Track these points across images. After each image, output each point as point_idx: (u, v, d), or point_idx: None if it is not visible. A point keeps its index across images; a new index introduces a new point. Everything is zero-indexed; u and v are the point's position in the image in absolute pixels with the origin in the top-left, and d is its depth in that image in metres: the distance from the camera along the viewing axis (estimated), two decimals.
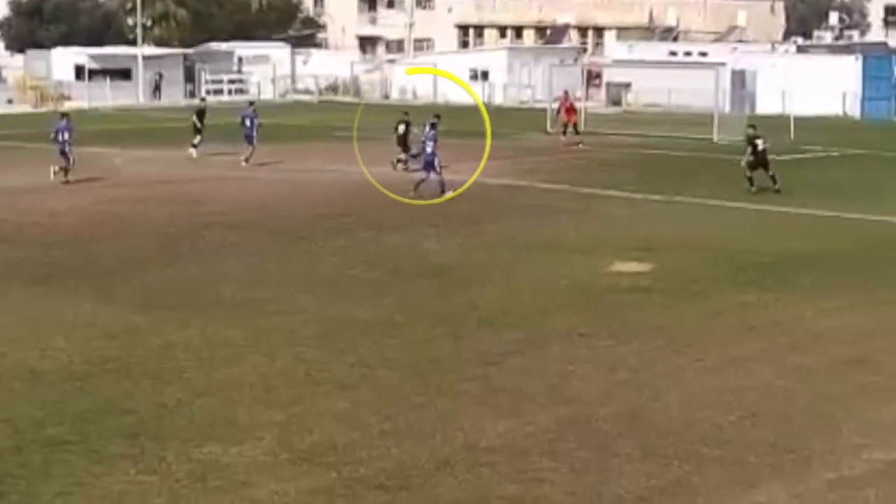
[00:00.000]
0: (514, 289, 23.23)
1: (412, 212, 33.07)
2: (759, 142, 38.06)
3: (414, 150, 40.22)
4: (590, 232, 29.91)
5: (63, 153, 38.10)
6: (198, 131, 46.64)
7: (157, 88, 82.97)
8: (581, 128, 53.10)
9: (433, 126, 36.79)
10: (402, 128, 43.26)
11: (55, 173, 38.07)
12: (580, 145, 50.46)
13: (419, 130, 39.43)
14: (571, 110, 52.04)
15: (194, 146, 46.33)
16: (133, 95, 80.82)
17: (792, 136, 54.19)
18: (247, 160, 43.57)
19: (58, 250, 27.43)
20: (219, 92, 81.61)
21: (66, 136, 38.27)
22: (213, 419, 15.32)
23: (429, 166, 36.21)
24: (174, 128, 54.11)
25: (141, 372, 17.43)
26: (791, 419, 15.52)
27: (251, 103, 47.99)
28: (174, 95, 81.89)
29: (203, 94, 66.89)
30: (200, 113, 47.41)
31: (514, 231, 30.07)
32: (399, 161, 42.27)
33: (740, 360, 18.37)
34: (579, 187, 38.10)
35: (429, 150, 36.18)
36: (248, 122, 44.61)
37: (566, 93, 53.11)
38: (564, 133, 51.67)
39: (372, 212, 33.13)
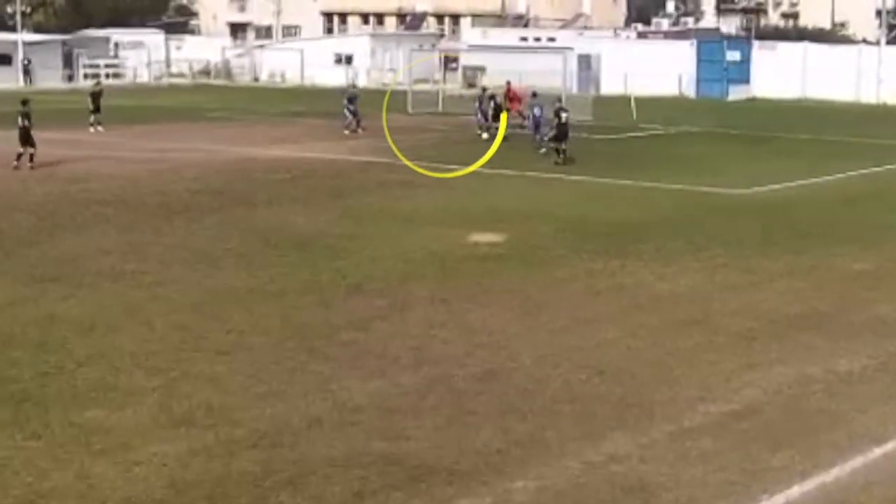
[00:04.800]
0: (378, 258, 23.20)
1: (281, 188, 32.84)
2: (564, 115, 38.95)
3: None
4: (446, 205, 29.96)
5: None
6: (95, 111, 48.45)
7: (27, 73, 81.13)
8: (439, 109, 53.07)
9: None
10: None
11: None
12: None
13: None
14: (515, 99, 50.88)
15: (97, 123, 48.12)
16: (13, 80, 79.13)
17: (634, 115, 54.86)
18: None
19: None
20: (96, 76, 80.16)
21: None
22: (95, 386, 15.08)
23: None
24: (53, 109, 53.05)
25: (24, 342, 17.08)
26: (635, 375, 15.72)
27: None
28: (52, 80, 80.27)
29: (80, 75, 66.48)
30: (95, 95, 49.10)
31: (377, 205, 30.03)
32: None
33: (588, 321, 18.57)
34: (438, 164, 38.13)
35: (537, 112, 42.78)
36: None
37: (509, 83, 52.51)
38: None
39: (244, 189, 32.82)
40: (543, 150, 40.87)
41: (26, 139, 36.80)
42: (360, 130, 47.35)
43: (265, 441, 13.21)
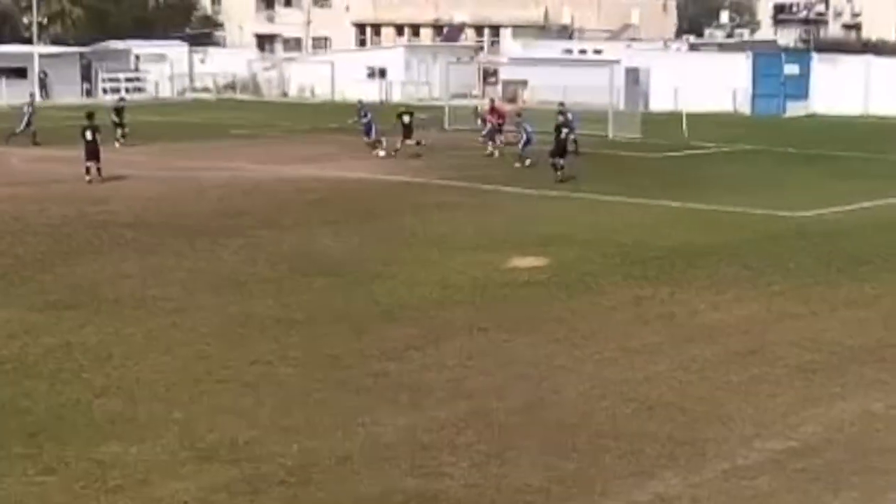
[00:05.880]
0: (412, 284, 23.23)
1: (310, 210, 32.96)
2: (564, 131, 39.27)
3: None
4: (487, 228, 29.98)
5: None
6: (118, 125, 50.02)
7: (43, 87, 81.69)
8: (477, 125, 53.04)
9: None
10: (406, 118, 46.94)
11: None
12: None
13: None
14: (498, 115, 51.26)
15: (123, 137, 49.61)
16: (29, 94, 79.56)
17: (685, 132, 54.75)
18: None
19: None
20: (116, 90, 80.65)
21: None
22: (112, 418, 15.15)
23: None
24: (71, 126, 53.38)
25: (39, 372, 17.19)
26: (686, 410, 15.66)
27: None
28: (70, 94, 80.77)
29: (99, 89, 67.41)
30: (119, 110, 50.96)
31: (412, 227, 30.07)
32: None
33: (636, 352, 18.52)
34: (476, 183, 38.19)
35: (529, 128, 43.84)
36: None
37: (492, 100, 53.28)
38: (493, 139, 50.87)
39: (271, 210, 32.95)
40: (518, 164, 42.72)
41: (94, 153, 38.55)
42: (381, 149, 46.99)
43: (292, 478, 13.23)
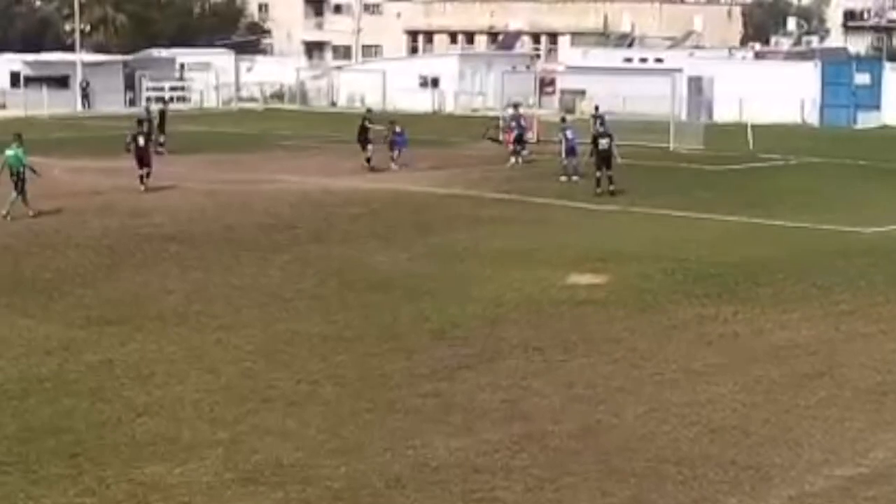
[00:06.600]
0: (465, 301, 23.22)
1: (359, 223, 33.04)
2: (603, 141, 38.88)
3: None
4: (543, 243, 29.94)
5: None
6: (161, 131, 51.50)
7: (85, 96, 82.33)
8: (533, 137, 53.08)
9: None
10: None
11: None
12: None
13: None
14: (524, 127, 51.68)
15: (161, 144, 50.34)
16: (71, 103, 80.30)
17: (750, 144, 54.52)
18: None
19: None
20: (160, 100, 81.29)
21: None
22: (154, 438, 15.22)
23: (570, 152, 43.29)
24: (114, 136, 53.81)
25: (79, 390, 17.30)
26: (751, 434, 15.58)
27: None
28: (112, 103, 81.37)
29: (142, 98, 70.12)
30: (162, 114, 53.31)
31: (464, 242, 30.08)
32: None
33: (699, 373, 18.44)
34: (531, 197, 38.17)
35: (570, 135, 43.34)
36: None
37: (516, 105, 53.44)
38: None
39: (319, 223, 33.05)
40: (564, 177, 42.51)
41: (145, 160, 39.77)
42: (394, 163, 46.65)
43: (340, 502, 13.25)
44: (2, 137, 38.04)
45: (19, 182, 34.10)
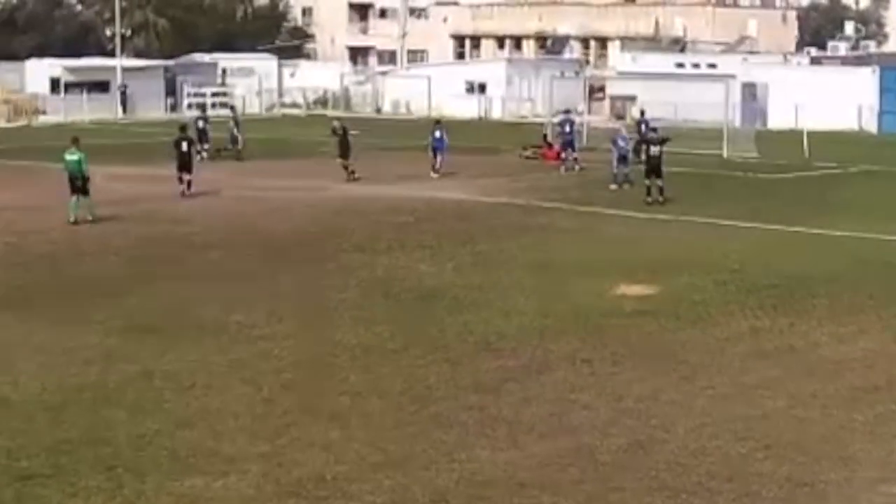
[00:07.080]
0: (512, 312, 23.20)
1: (404, 232, 33.07)
2: (654, 149, 38.60)
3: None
4: (591, 252, 29.90)
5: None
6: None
7: (122, 102, 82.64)
8: (583, 143, 53.13)
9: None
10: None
11: None
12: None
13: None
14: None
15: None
16: (111, 109, 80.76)
17: (806, 152, 54.28)
18: None
19: (31, 271, 27.40)
20: (201, 106, 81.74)
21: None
22: (194, 451, 15.27)
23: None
24: (155, 143, 54.15)
25: (118, 400, 17.38)
26: (805, 450, 15.49)
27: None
28: (154, 109, 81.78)
29: (184, 104, 70.04)
30: (234, 121, 55.71)
31: (511, 251, 30.07)
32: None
33: (752, 387, 18.35)
34: (580, 206, 38.13)
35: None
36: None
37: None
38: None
39: (362, 232, 33.10)
40: (615, 185, 42.52)
41: (187, 165, 40.49)
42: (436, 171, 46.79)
43: None
44: (44, 143, 38.37)
45: (82, 186, 34.39)
